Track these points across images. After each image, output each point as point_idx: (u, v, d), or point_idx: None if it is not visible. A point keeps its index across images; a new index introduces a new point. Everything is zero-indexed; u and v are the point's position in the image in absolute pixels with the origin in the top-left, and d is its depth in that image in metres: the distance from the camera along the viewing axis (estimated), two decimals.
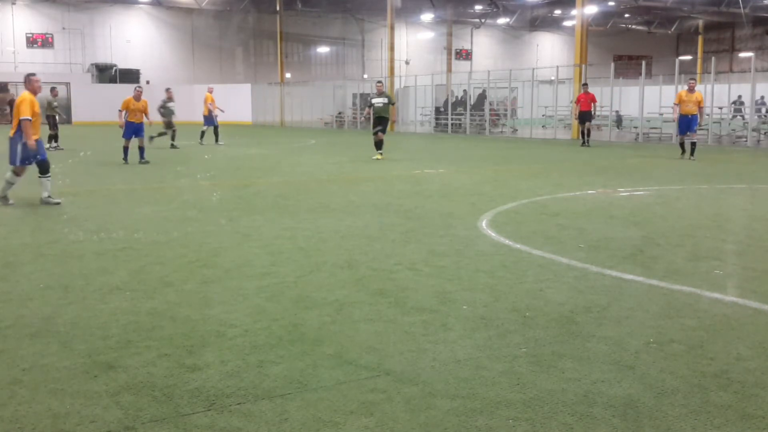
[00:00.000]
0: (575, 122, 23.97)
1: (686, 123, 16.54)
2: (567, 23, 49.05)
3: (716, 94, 23.83)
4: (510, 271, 5.48)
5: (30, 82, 9.20)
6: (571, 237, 6.85)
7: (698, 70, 40.30)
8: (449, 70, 43.35)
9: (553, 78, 29.57)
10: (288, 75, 45.27)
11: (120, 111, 15.32)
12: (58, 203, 9.03)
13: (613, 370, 3.46)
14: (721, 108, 24.87)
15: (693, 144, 16.60)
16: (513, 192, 10.46)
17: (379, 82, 17.95)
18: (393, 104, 17.46)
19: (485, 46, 52.31)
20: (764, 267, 5.68)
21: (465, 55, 51.14)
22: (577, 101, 22.23)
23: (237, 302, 4.60)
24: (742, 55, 48.17)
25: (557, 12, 47.83)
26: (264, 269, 5.50)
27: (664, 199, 9.77)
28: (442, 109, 33.88)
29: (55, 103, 20.12)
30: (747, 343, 3.84)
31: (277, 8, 44.06)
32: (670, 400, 3.11)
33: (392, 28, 36.22)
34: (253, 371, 3.42)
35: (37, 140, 9.03)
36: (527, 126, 30.58)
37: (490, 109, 31.38)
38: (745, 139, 23.77)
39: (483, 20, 49.60)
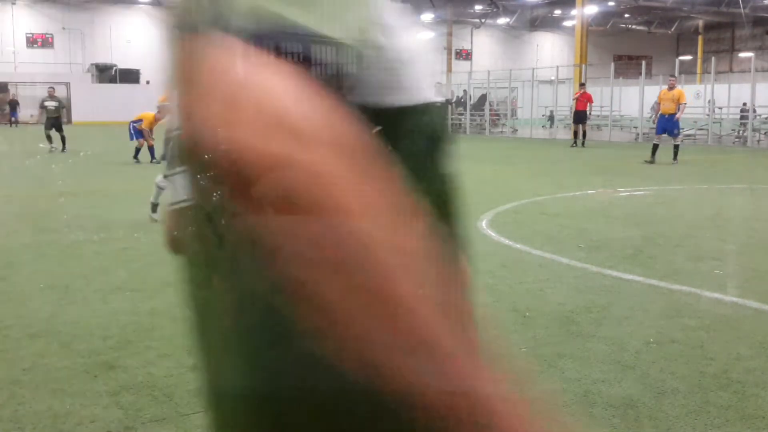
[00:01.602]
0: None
1: (663, 123, 15.67)
2: (567, 23, 49.05)
3: (716, 94, 23.81)
4: (510, 271, 5.48)
5: None
6: (571, 237, 6.85)
7: (698, 70, 40.30)
8: (449, 70, 43.35)
9: (553, 78, 29.57)
10: None
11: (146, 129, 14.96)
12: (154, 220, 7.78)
13: (613, 370, 3.46)
14: (721, 108, 24.87)
15: (675, 147, 15.51)
16: (513, 192, 10.46)
17: (438, 82, 18.12)
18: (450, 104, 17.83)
19: (485, 46, 52.30)
20: (764, 267, 5.68)
21: (465, 55, 51.14)
22: (575, 96, 22.13)
23: None
24: (742, 55, 48.17)
25: (557, 12, 47.82)
26: None
27: (664, 199, 9.77)
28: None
29: (47, 103, 19.75)
30: (747, 343, 3.84)
31: None
32: (670, 400, 3.11)
33: None
34: None
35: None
36: (527, 126, 30.59)
37: (490, 110, 31.38)
38: (745, 140, 23.78)
39: (483, 20, 49.59)
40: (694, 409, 3.02)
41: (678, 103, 15.44)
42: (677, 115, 15.49)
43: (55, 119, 19.60)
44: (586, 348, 3.77)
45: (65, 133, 19.45)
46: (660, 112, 15.93)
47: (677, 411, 3.00)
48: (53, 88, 21.22)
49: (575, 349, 3.74)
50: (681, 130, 15.91)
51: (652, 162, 15.17)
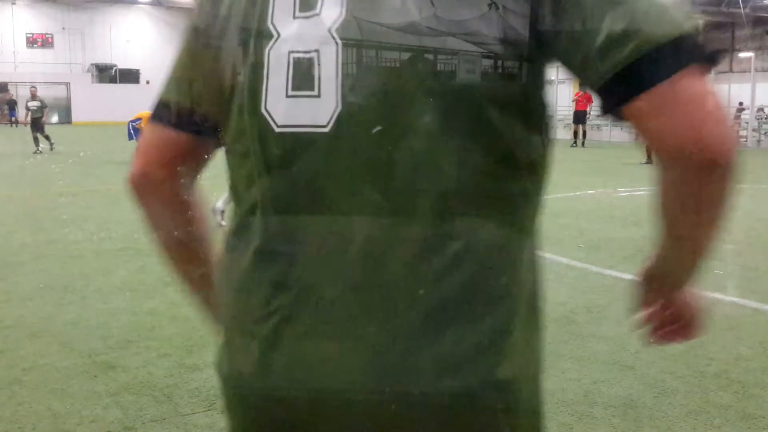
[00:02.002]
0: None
1: None
2: None
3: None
4: None
5: None
6: (571, 237, 6.85)
7: None
8: None
9: (553, 78, 29.53)
10: None
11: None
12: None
13: (613, 370, 3.46)
14: None
15: None
16: None
17: None
18: None
19: None
20: (764, 267, 5.68)
21: None
22: (575, 98, 22.14)
23: None
24: (742, 55, 48.16)
25: None
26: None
27: None
28: None
29: (29, 104, 19.61)
30: (747, 343, 3.84)
31: None
32: (670, 400, 3.11)
33: None
34: None
35: None
36: None
37: None
38: (745, 139, 23.78)
39: None
40: (694, 409, 3.02)
41: None
42: None
43: (37, 119, 19.35)
44: (586, 348, 3.77)
45: (48, 132, 19.15)
46: None
47: (677, 411, 3.00)
48: (35, 87, 21.04)
49: (575, 349, 3.74)
50: None
51: (650, 162, 15.04)
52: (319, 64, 0.80)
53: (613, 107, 0.78)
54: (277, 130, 0.83)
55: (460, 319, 0.81)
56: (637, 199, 10.03)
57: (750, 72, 24.74)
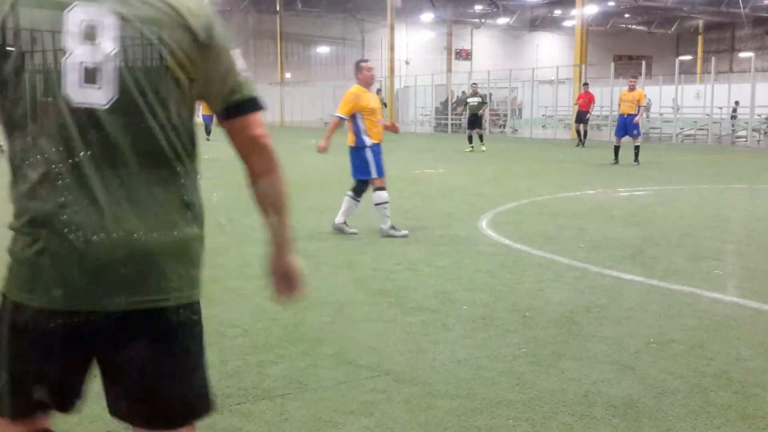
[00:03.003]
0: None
1: (622, 124, 15.32)
2: (567, 23, 49.03)
3: (716, 94, 23.78)
4: (510, 271, 5.48)
5: (360, 70, 6.84)
6: (571, 237, 6.86)
7: (698, 70, 40.30)
8: (449, 70, 43.34)
9: (553, 78, 29.55)
10: (288, 75, 45.26)
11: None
12: (401, 234, 6.83)
13: (613, 370, 3.46)
14: (721, 108, 24.85)
15: (636, 147, 14.94)
16: (513, 192, 10.47)
17: (474, 83, 20.93)
18: (486, 104, 19.22)
19: (485, 46, 52.28)
20: (764, 267, 5.68)
21: (465, 55, 51.12)
22: (577, 101, 22.15)
23: (237, 302, 4.60)
24: (742, 55, 48.14)
25: (557, 12, 47.78)
26: (264, 269, 5.49)
27: (664, 199, 9.78)
28: (441, 109, 33.84)
29: None
30: (747, 343, 3.84)
31: (277, 8, 44.05)
32: (670, 400, 3.12)
33: (392, 28, 36.21)
34: (253, 371, 3.42)
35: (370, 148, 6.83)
36: (527, 126, 30.56)
37: (491, 109, 31.32)
38: (745, 139, 23.78)
39: (483, 20, 49.56)
40: (694, 409, 3.03)
41: (638, 103, 15.07)
42: (636, 118, 15.02)
43: None
44: (586, 348, 3.77)
45: None
46: (620, 113, 15.57)
47: (677, 411, 3.01)
48: None
49: (575, 349, 3.75)
50: (654, 133, 15.48)
51: (615, 163, 14.92)
52: (101, 71, 1.45)
53: (227, 120, 1.62)
54: (74, 105, 1.44)
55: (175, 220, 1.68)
56: (637, 199, 10.04)
57: (750, 72, 24.72)
